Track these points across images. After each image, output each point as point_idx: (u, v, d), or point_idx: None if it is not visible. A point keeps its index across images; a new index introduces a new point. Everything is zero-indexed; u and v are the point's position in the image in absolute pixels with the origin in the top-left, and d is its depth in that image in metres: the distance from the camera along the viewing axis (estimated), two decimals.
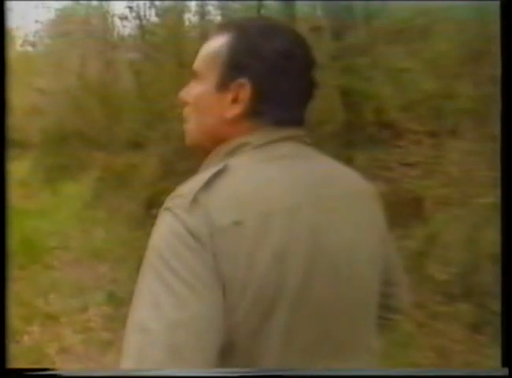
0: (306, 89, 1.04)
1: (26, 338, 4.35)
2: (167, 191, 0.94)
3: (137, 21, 10.60)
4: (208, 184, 0.90)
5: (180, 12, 9.64)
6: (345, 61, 5.78)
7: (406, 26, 5.92)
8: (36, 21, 20.55)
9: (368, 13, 6.53)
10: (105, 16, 12.55)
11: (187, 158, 6.13)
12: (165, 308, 0.81)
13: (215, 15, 9.51)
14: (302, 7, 8.02)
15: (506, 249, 1.07)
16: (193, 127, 1.07)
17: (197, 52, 1.09)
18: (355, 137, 5.97)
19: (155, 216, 0.92)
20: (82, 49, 12.96)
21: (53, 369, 0.82)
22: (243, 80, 0.99)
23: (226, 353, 0.86)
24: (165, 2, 9.95)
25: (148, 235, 0.90)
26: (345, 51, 5.93)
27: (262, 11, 7.78)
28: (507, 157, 1.07)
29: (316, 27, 6.70)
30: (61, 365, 3.79)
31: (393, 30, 5.99)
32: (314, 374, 0.82)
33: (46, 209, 9.16)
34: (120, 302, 4.87)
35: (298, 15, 7.75)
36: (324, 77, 5.14)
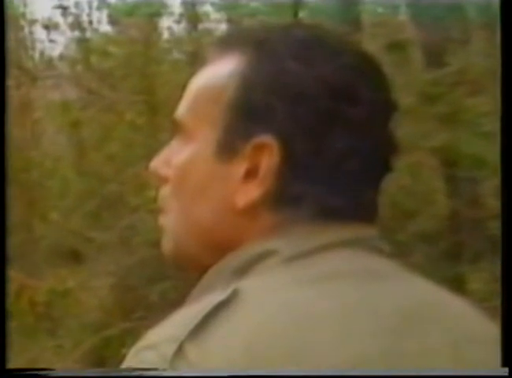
0: (379, 154, 1.07)
1: None
2: (128, 339, 1.06)
3: (76, 32, 10.74)
4: (203, 326, 0.91)
5: (154, 17, 9.85)
6: (450, 104, 6.07)
7: None
8: None
9: (488, 18, 6.57)
10: (18, 22, 12.75)
11: (164, 278, 6.23)
12: None
13: (216, 21, 9.71)
14: (373, 6, 8.01)
15: (506, 248, 1.36)
16: (176, 222, 1.12)
17: (182, 88, 1.14)
18: (469, 241, 6.16)
19: None
20: None
21: (53, 369, 0.99)
22: (266, 138, 1.02)
23: None
24: (128, 0, 10.09)
25: None
26: (450, 86, 6.21)
27: (302, 13, 7.89)
28: (507, 156, 1.39)
29: (398, 43, 6.90)
30: None
31: None
32: (313, 374, 0.95)
33: None
34: None
35: (365, 20, 7.86)
36: (413, 132, 5.26)
